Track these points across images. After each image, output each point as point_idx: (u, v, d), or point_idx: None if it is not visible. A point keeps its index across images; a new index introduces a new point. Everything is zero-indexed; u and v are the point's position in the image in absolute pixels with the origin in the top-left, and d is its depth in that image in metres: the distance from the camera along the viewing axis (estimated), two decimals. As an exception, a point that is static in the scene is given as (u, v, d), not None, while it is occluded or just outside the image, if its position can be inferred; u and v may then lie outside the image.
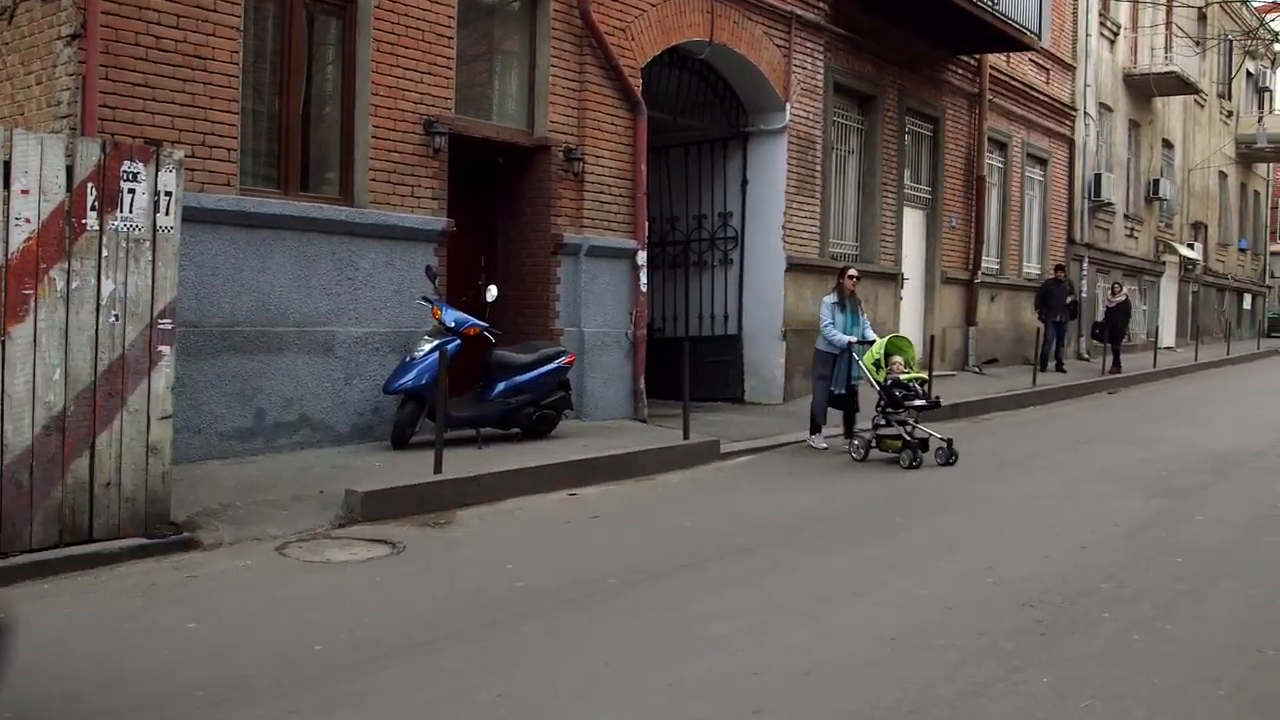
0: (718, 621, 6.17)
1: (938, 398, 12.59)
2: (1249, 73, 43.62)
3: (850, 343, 12.53)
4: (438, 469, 9.16)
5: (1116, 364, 23.33)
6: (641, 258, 13.51)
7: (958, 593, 6.89)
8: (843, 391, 12.75)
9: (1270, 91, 45.56)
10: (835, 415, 13.04)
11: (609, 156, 13.15)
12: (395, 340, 10.91)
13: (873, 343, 12.52)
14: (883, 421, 12.05)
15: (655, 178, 15.62)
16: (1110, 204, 28.41)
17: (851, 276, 13.04)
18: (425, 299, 10.86)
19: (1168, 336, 33.61)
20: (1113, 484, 10.79)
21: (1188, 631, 6.24)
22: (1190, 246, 36.34)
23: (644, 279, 13.57)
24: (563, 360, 11.59)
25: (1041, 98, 24.78)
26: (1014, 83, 23.30)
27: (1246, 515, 9.54)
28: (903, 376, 12.08)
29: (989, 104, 21.98)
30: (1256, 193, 46.94)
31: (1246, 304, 44.86)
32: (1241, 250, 44.18)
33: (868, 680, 5.28)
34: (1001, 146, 23.35)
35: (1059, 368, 22.46)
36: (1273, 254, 50.74)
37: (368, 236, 10.73)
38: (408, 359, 10.52)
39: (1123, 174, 30.06)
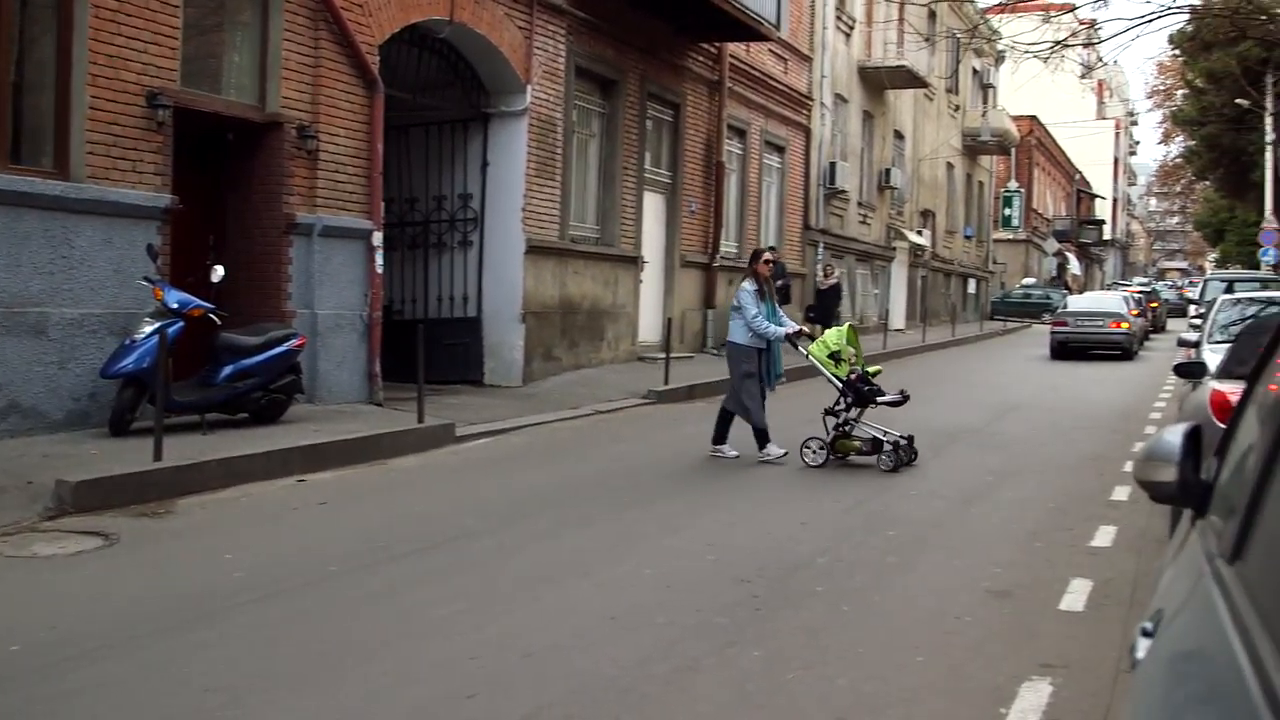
0: (440, 606, 6.16)
1: (906, 393, 11.39)
2: (974, 69, 45.93)
3: (788, 334, 11.38)
4: (157, 456, 8.81)
5: None
6: (378, 238, 13.30)
7: (679, 571, 7.05)
8: (771, 390, 11.67)
9: (993, 87, 48.09)
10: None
11: (344, 135, 12.89)
12: (114, 322, 10.43)
13: (801, 332, 11.61)
14: (839, 421, 11.06)
15: (394, 157, 15.42)
16: (844, 191, 29.49)
17: (767, 261, 11.82)
18: (147, 279, 10.41)
19: (898, 319, 35.13)
20: (838, 461, 11.13)
21: (894, 602, 6.56)
22: (919, 233, 38.08)
23: (380, 260, 13.36)
24: (293, 343, 11.32)
25: (780, 87, 25.49)
26: (753, 71, 23.89)
27: (958, 488, 10.06)
28: (869, 371, 11.22)
29: (729, 91, 22.47)
30: (981, 183, 49.49)
31: (971, 288, 47.22)
32: (967, 237, 46.54)
33: (585, 660, 5.35)
34: (741, 133, 23.91)
35: None
36: (995, 241, 53.52)
37: (85, 213, 10.22)
38: (127, 342, 10.08)
39: (856, 163, 31.24)
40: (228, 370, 10.80)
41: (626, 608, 6.20)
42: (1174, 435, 2.58)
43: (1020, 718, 4.83)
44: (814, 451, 10.96)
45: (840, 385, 11.02)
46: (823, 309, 24.45)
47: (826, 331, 11.56)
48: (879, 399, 11.00)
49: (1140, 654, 2.35)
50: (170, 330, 9.93)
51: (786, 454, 11.14)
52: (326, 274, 12.68)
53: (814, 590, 6.69)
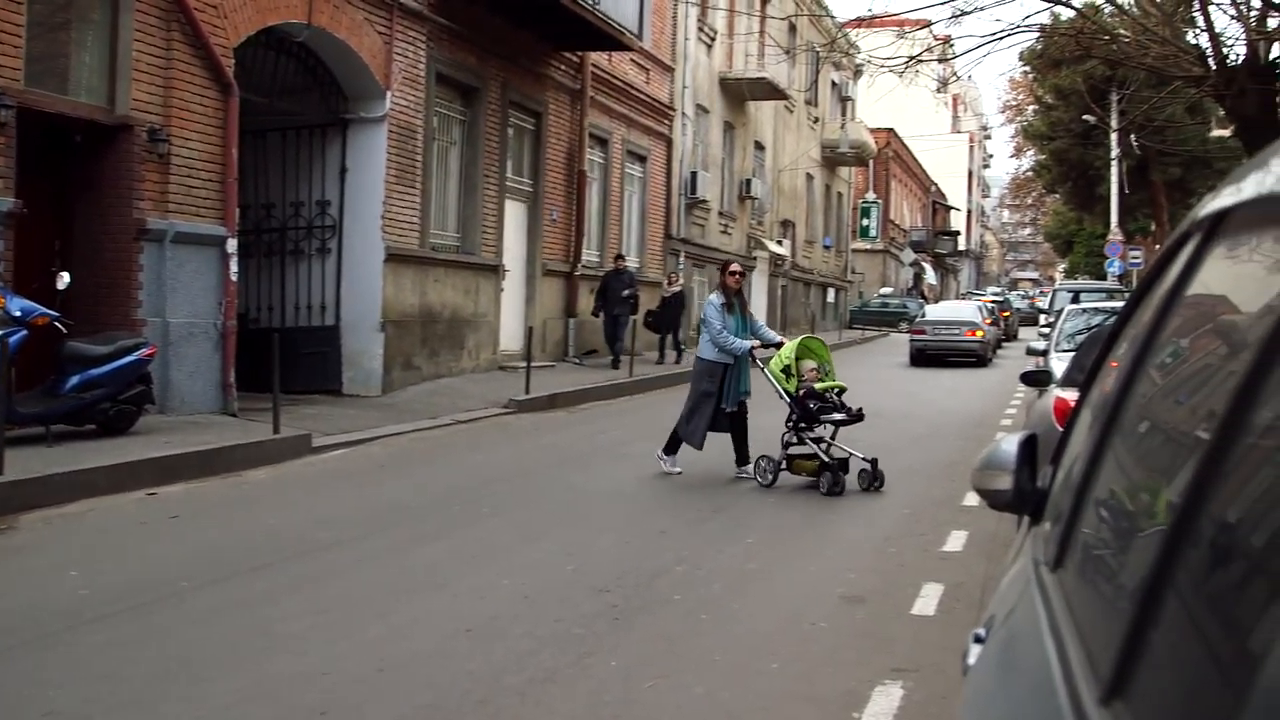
0: (293, 621, 6.06)
1: (859, 409, 10.78)
2: (833, 82, 46.69)
3: (751, 349, 10.85)
4: (-1, 470, 8.54)
5: (679, 354, 23.60)
6: (232, 245, 13.03)
7: (537, 581, 7.03)
8: (734, 409, 10.95)
9: (852, 100, 48.96)
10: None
11: (198, 139, 12.61)
12: (-47, 331, 10.06)
13: (779, 345, 11.07)
14: (794, 439, 10.58)
15: (251, 163, 15.15)
16: (706, 201, 29.75)
17: (734, 272, 11.25)
18: (-13, 286, 10.08)
19: (759, 328, 35.45)
20: (697, 469, 11.19)
21: (751, 609, 6.63)
22: (779, 243, 38.55)
23: (235, 267, 13.10)
24: (143, 352, 11.04)
25: (642, 97, 25.63)
26: (616, 81, 23.98)
27: (816, 495, 10.19)
28: (818, 385, 10.63)
29: (591, 100, 22.54)
30: (840, 194, 50.33)
31: (830, 297, 47.95)
32: (826, 247, 47.28)
33: (440, 673, 5.31)
34: (603, 142, 23.98)
35: (614, 363, 21.57)
36: (854, 251, 54.44)
37: (-80, 217, 9.87)
38: (-34, 351, 9.74)
39: (718, 173, 31.52)
40: (74, 380, 10.48)
41: (483, 619, 6.17)
42: (1010, 444, 2.64)
43: (871, 722, 4.92)
44: (764, 471, 10.62)
45: (788, 400, 10.65)
46: (665, 317, 24.10)
47: (784, 345, 11.03)
48: (824, 417, 10.52)
49: (971, 660, 2.41)
50: (12, 339, 9.59)
51: (681, 472, 10.94)
52: (179, 281, 12.38)
53: (672, 598, 6.73)
